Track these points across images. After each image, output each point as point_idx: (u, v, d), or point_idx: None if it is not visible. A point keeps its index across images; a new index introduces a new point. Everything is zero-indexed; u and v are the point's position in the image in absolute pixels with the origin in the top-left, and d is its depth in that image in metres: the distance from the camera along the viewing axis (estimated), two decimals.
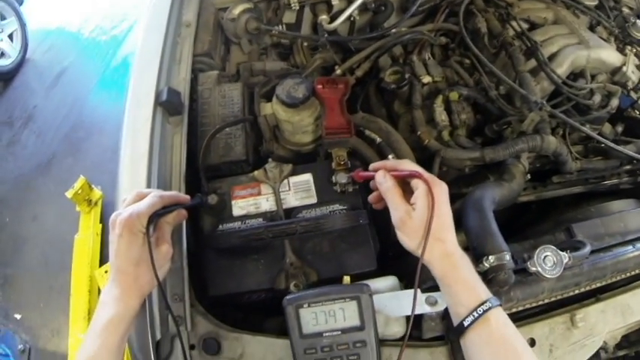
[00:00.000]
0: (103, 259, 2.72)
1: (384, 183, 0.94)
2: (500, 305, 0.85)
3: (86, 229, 2.86)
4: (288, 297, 0.85)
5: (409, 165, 0.96)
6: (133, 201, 0.92)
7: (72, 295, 2.62)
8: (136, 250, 0.87)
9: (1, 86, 3.98)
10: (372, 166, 1.02)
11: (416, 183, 0.91)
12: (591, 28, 1.64)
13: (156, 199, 0.91)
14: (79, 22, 4.51)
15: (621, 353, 1.19)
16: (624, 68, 1.47)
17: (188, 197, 1.01)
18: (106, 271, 2.54)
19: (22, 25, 4.01)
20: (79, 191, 2.77)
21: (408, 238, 0.90)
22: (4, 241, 3.06)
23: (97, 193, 2.94)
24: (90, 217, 2.90)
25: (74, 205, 2.88)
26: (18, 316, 2.73)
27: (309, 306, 0.84)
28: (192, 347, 0.97)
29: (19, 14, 4.00)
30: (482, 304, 0.82)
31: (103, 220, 2.91)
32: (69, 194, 2.73)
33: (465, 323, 0.82)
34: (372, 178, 0.99)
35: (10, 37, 3.97)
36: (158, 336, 0.95)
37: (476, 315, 0.82)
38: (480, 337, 0.82)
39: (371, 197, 1.04)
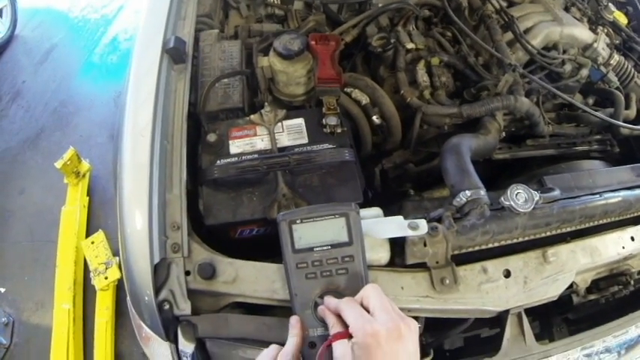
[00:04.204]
0: (90, 231, 2.75)
1: None
2: None
3: (73, 201, 2.87)
4: (282, 213, 0.92)
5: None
6: None
7: (58, 266, 2.63)
8: None
9: None
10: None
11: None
12: (566, 9, 1.77)
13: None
14: (69, 0, 4.52)
15: (592, 297, 1.27)
16: (595, 45, 1.60)
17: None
18: (92, 242, 2.57)
19: (12, 1, 4.00)
20: (68, 162, 2.78)
21: None
22: None
23: (86, 165, 2.95)
24: (77, 189, 2.91)
25: (62, 179, 2.89)
26: (2, 290, 2.72)
27: (301, 222, 0.90)
28: (187, 273, 1.02)
29: None
30: None
31: (90, 192, 2.94)
32: (58, 165, 2.74)
33: None
34: None
35: (0, 13, 3.96)
36: (156, 260, 1.01)
37: None
38: None
39: None
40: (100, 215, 2.86)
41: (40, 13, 4.39)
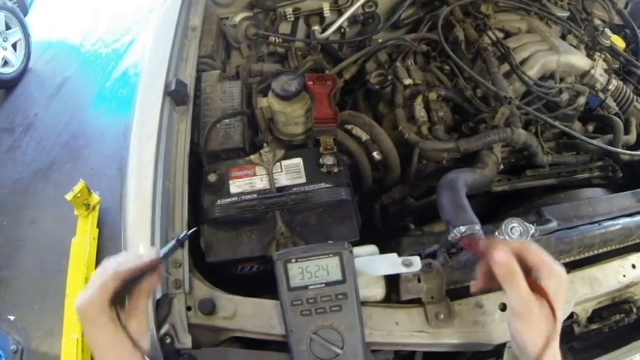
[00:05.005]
0: (99, 262, 2.78)
1: (507, 265, 0.83)
2: None
3: (83, 233, 2.92)
4: (277, 252, 0.95)
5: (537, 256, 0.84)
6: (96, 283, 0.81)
7: (67, 296, 2.67)
8: (102, 335, 0.80)
9: (3, 94, 4.10)
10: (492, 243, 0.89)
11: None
12: (563, 37, 1.79)
13: (107, 283, 0.79)
14: (81, 35, 4.68)
15: (594, 326, 1.25)
16: (592, 71, 1.61)
17: (153, 257, 0.87)
18: None
19: (26, 35, 4.16)
20: (79, 195, 2.84)
21: (529, 333, 0.82)
22: (0, 243, 3.11)
23: (96, 197, 3.02)
24: (87, 221, 2.96)
25: (72, 210, 2.95)
26: (12, 318, 2.76)
27: (296, 261, 0.93)
28: (188, 309, 1.05)
29: (23, 24, 4.15)
30: None
31: (101, 224, 2.99)
32: (68, 197, 2.80)
33: None
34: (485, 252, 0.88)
35: (14, 46, 4.11)
36: (158, 295, 1.03)
37: None
38: None
39: (477, 284, 0.94)
40: (110, 247, 2.90)
41: (54, 46, 4.54)
